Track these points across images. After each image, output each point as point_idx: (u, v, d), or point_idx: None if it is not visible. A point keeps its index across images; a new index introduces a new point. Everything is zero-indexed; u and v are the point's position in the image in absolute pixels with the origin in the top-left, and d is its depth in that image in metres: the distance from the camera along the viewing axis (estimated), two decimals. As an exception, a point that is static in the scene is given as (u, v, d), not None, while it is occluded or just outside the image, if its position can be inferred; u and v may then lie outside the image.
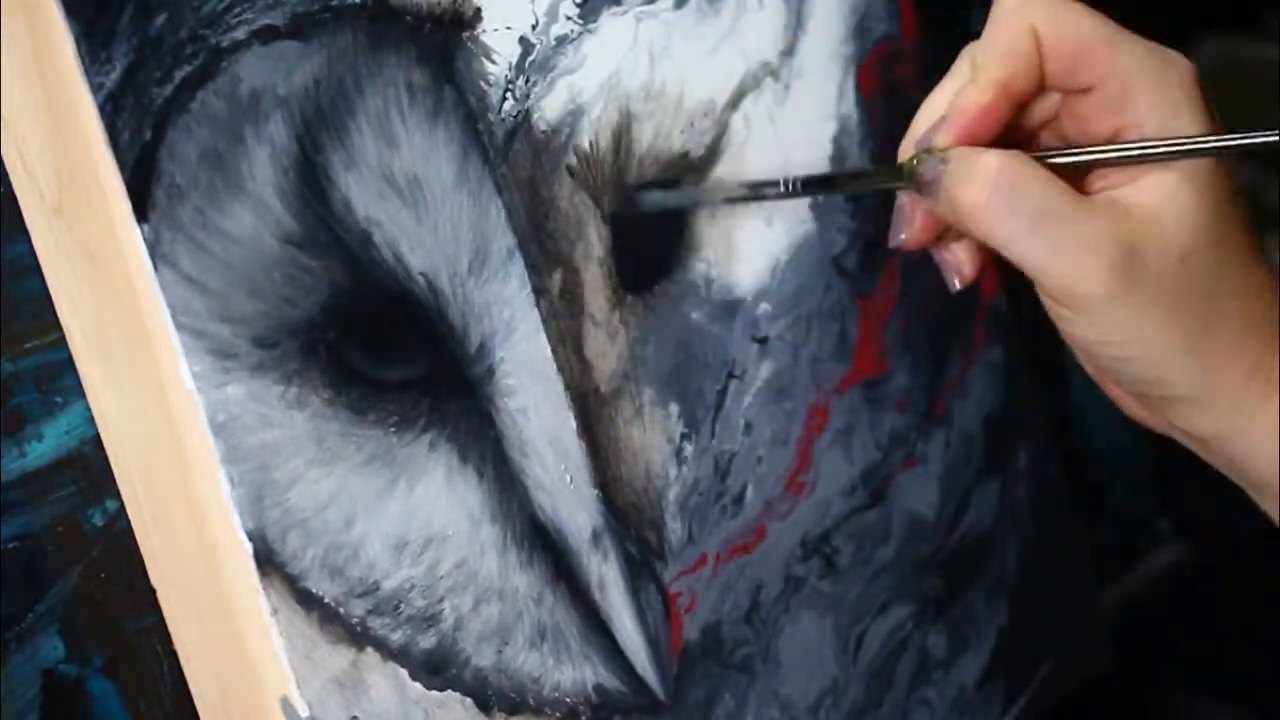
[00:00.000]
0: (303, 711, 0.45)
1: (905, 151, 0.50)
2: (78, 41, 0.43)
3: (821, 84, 0.63)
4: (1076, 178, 0.47)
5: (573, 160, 0.54)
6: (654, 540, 0.55)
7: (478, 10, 0.51)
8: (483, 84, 0.51)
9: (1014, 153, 0.45)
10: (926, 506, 0.66)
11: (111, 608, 0.47)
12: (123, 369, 0.46)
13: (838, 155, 0.63)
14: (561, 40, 0.53)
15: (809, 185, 0.54)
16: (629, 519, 0.54)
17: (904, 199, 0.49)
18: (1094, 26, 0.46)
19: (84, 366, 0.46)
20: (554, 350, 0.52)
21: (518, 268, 0.51)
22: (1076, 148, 0.47)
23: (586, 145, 0.54)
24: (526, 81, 0.52)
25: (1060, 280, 0.45)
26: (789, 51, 0.61)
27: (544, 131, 0.53)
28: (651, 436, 0.55)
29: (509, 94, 0.52)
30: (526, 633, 0.51)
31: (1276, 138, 0.43)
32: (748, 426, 0.59)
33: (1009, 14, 0.47)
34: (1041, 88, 0.47)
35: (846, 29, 0.64)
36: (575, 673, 0.52)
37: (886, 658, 0.64)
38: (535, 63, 0.52)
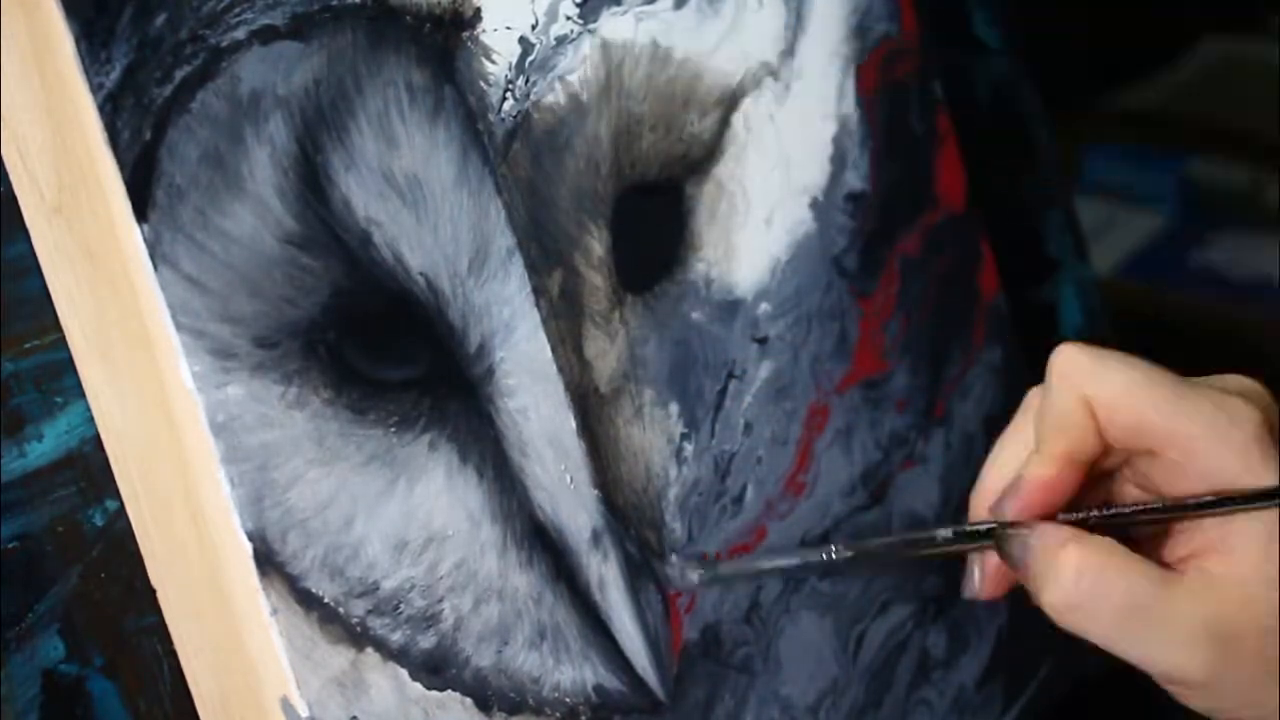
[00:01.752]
0: (303, 711, 0.45)
1: (979, 508, 0.50)
2: (77, 41, 0.43)
3: (821, 84, 0.63)
4: (1158, 541, 0.46)
5: (573, 160, 0.54)
6: (654, 540, 0.55)
7: (478, 10, 0.51)
8: (483, 84, 0.51)
9: (1093, 544, 0.44)
10: (926, 506, 0.66)
11: (111, 608, 0.47)
12: (123, 369, 0.46)
13: (837, 155, 0.63)
14: (561, 40, 0.53)
15: (858, 558, 0.54)
16: (629, 519, 0.54)
17: (976, 555, 0.49)
18: (1147, 391, 0.45)
19: (84, 366, 0.46)
20: (554, 350, 0.52)
21: (518, 268, 0.51)
22: (1148, 504, 0.46)
23: (587, 145, 0.54)
24: (526, 81, 0.52)
25: (1160, 668, 0.44)
26: (789, 51, 0.61)
27: (544, 131, 0.53)
28: (651, 436, 0.55)
29: (509, 94, 0.52)
30: (526, 633, 0.51)
31: None
32: (748, 426, 0.59)
33: (1060, 381, 0.46)
34: (1108, 448, 0.46)
35: (846, 29, 0.64)
36: (575, 673, 0.52)
37: (886, 658, 0.64)
38: (535, 63, 0.52)
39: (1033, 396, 0.49)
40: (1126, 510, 0.46)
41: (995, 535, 0.48)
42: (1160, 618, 0.43)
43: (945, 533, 0.50)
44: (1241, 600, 0.43)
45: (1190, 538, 0.45)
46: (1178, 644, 0.43)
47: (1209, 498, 0.44)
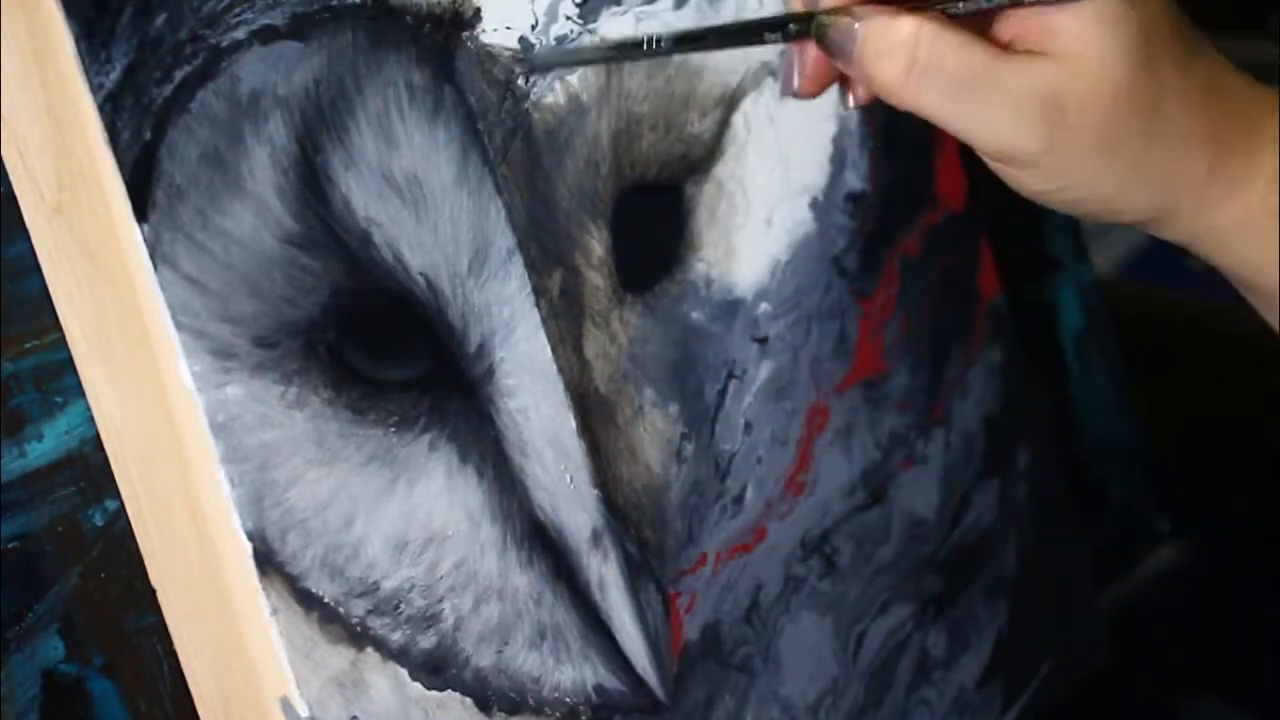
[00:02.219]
0: (302, 711, 0.45)
1: (795, 2, 0.50)
2: (77, 41, 0.43)
3: (821, 84, 0.62)
4: (989, 31, 0.46)
5: (573, 160, 0.54)
6: (654, 540, 0.55)
7: (478, 10, 0.51)
8: (483, 84, 0.51)
9: (926, 17, 0.44)
10: (926, 506, 0.66)
11: (111, 608, 0.47)
12: (123, 369, 0.46)
13: (837, 155, 0.63)
14: (561, 40, 0.53)
15: (681, 42, 0.52)
16: (629, 519, 0.54)
17: (794, 50, 0.49)
18: None
19: (84, 366, 0.46)
20: (554, 350, 0.52)
21: (518, 268, 0.51)
22: None
23: (587, 145, 0.54)
24: (526, 81, 0.52)
25: (992, 142, 0.45)
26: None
27: (544, 131, 0.53)
28: (651, 436, 0.55)
29: (509, 94, 0.52)
30: (526, 633, 0.51)
31: None
32: (748, 426, 0.59)
33: None
34: None
35: (846, 29, 0.64)
36: (575, 673, 0.52)
37: (886, 658, 0.64)
38: (535, 63, 0.52)
39: None
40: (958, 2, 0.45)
41: (816, 24, 0.46)
42: (994, 89, 0.43)
43: (768, 25, 0.49)
44: (1074, 73, 0.44)
45: (1011, 23, 0.45)
46: (1010, 115, 0.44)
47: None
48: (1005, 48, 0.45)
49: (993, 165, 0.47)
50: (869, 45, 0.44)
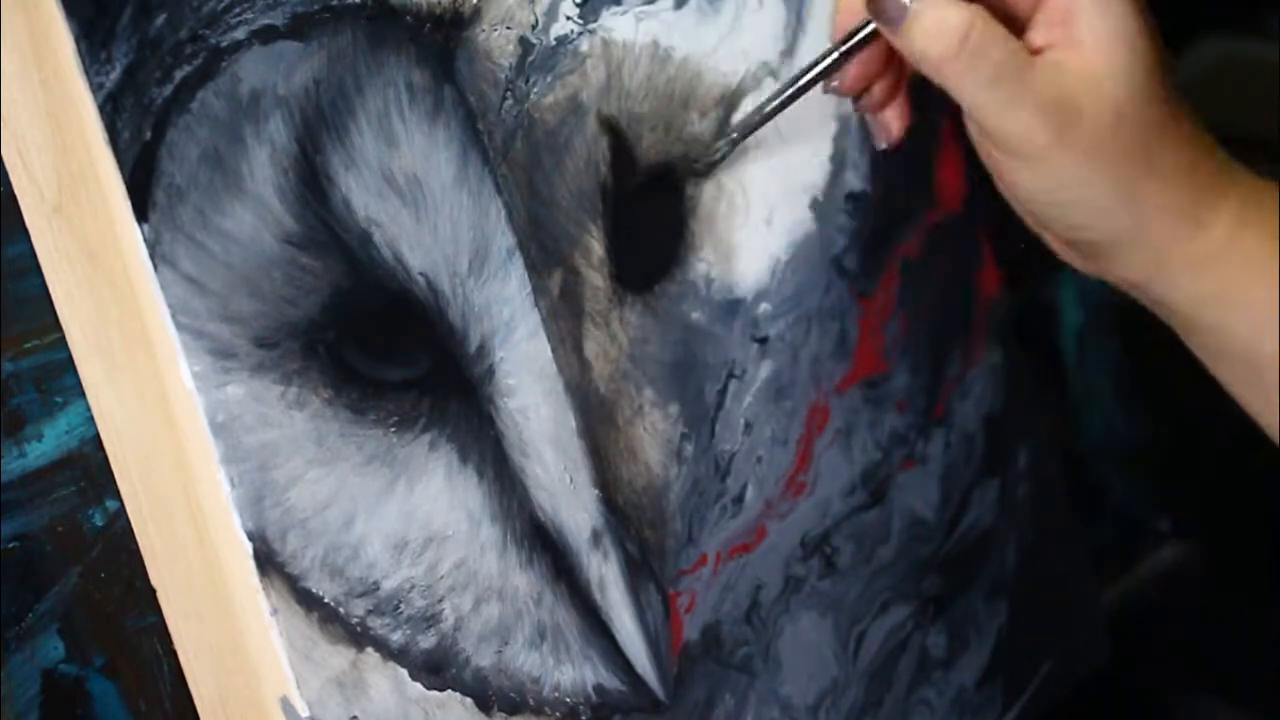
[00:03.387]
0: (302, 711, 0.45)
1: (843, 23, 0.53)
2: (77, 41, 0.43)
3: (821, 84, 0.62)
4: (1017, 29, 0.50)
5: (573, 160, 0.54)
6: (654, 540, 0.55)
7: (478, 10, 0.51)
8: (483, 84, 0.51)
9: (977, 9, 0.48)
10: (926, 506, 0.66)
11: (111, 608, 0.47)
12: (123, 369, 0.46)
13: (837, 155, 0.63)
14: (561, 40, 0.53)
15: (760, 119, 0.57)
16: (629, 519, 0.54)
17: (836, 48, 0.53)
18: None
19: (84, 366, 0.46)
20: (554, 350, 0.52)
21: (518, 268, 0.51)
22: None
23: (587, 145, 0.54)
24: (526, 81, 0.52)
25: (1010, 130, 0.49)
26: (789, 51, 0.61)
27: (544, 131, 0.53)
28: (651, 436, 0.55)
29: (509, 94, 0.52)
30: (526, 633, 0.51)
31: None
32: (748, 426, 0.59)
33: None
34: None
35: (846, 29, 0.64)
36: (575, 673, 0.52)
37: (886, 658, 0.64)
38: (535, 63, 0.52)
39: None
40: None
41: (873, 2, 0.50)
42: (1025, 85, 0.48)
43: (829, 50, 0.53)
44: (1088, 82, 0.48)
45: (1048, 34, 0.50)
46: (1032, 109, 0.48)
47: None
48: (1036, 52, 0.49)
49: (997, 157, 0.51)
50: (925, 26, 0.49)
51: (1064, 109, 0.48)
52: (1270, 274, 0.50)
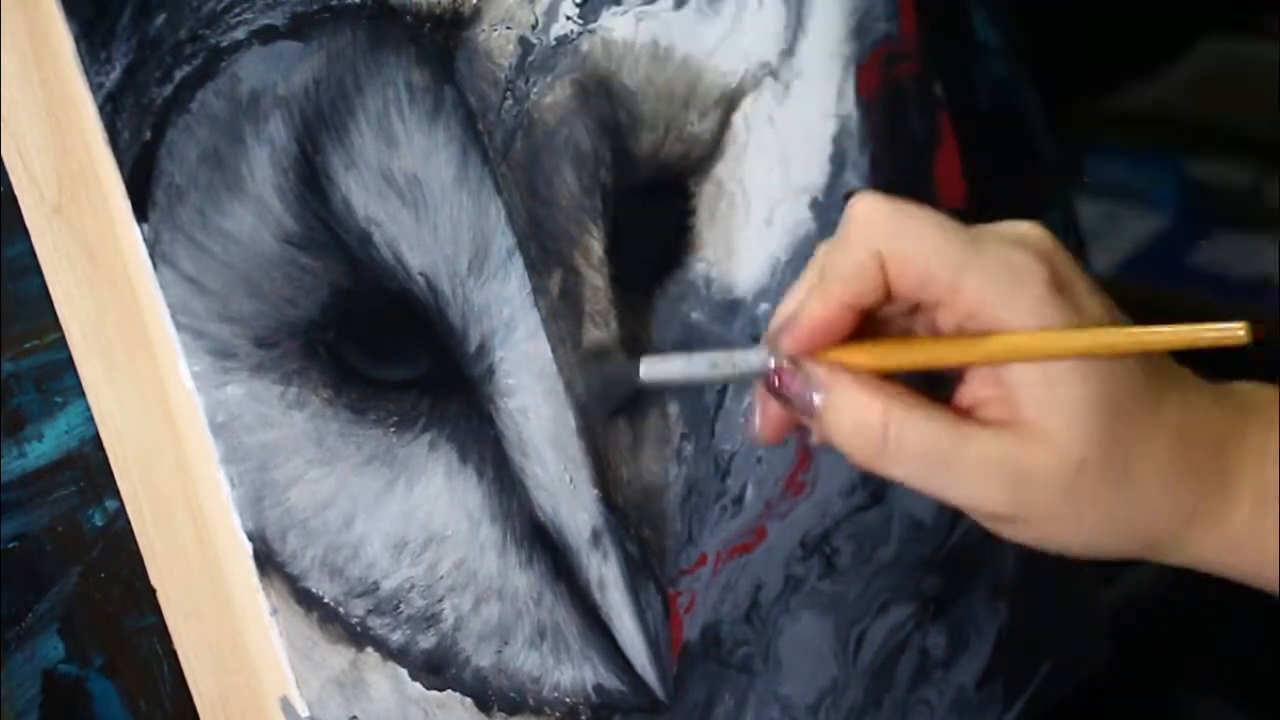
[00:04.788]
0: (302, 711, 0.45)
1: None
2: (77, 41, 0.43)
3: (821, 84, 0.63)
4: (953, 397, 0.46)
5: (573, 160, 0.54)
6: (654, 540, 0.55)
7: (478, 10, 0.51)
8: (483, 84, 0.51)
9: (889, 400, 0.44)
10: (926, 507, 0.66)
11: (111, 608, 0.47)
12: (123, 369, 0.46)
13: (837, 155, 0.63)
14: (561, 40, 0.53)
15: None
16: (629, 519, 0.54)
17: (762, 390, 0.48)
18: (937, 248, 0.45)
19: (84, 366, 0.46)
20: (554, 350, 0.52)
21: (518, 268, 0.51)
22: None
23: (587, 145, 0.54)
24: (526, 81, 0.52)
25: (965, 505, 0.45)
26: (789, 51, 0.61)
27: (544, 131, 0.53)
28: (651, 436, 0.55)
29: (509, 94, 0.52)
30: (526, 633, 0.51)
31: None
32: (748, 426, 0.59)
33: (856, 228, 0.45)
34: (889, 298, 0.46)
35: (846, 29, 0.64)
36: (575, 672, 0.52)
37: (886, 658, 0.64)
38: (535, 63, 0.52)
39: (822, 248, 0.48)
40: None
41: (777, 371, 0.46)
42: (960, 462, 0.44)
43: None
44: (1034, 445, 0.44)
45: (971, 389, 0.46)
46: (979, 482, 0.44)
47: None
48: (967, 413, 0.45)
49: (970, 516, 0.47)
50: (840, 418, 0.45)
51: (1010, 478, 0.44)
52: None
